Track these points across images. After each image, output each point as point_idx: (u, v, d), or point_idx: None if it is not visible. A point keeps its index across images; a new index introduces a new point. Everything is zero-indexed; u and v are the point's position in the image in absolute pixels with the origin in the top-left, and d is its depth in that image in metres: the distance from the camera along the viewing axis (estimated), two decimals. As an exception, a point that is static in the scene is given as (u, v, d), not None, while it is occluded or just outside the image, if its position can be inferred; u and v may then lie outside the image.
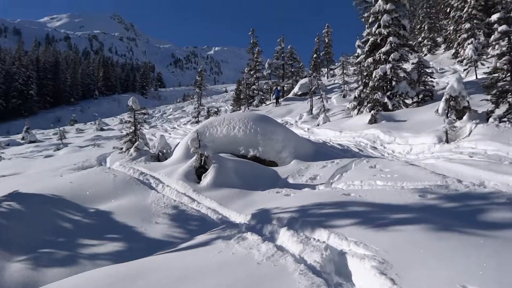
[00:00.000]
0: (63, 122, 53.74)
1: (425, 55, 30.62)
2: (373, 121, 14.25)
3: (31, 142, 28.77)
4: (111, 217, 6.64)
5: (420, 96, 16.16)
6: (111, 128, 37.01)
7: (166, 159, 10.99)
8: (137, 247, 5.46)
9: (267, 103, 34.33)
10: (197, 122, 31.63)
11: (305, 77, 36.03)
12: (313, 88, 24.57)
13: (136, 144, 11.62)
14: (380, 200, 5.32)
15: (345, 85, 28.08)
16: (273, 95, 32.84)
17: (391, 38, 16.33)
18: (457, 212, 4.68)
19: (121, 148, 12.24)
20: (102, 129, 35.36)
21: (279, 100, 30.94)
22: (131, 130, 12.26)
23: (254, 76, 36.00)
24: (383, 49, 16.54)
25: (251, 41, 37.42)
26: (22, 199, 7.11)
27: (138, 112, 12.38)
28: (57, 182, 8.81)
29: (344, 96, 25.53)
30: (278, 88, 32.86)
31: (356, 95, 18.59)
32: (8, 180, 10.83)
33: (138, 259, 4.61)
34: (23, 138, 30.74)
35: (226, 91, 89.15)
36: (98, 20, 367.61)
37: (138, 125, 12.32)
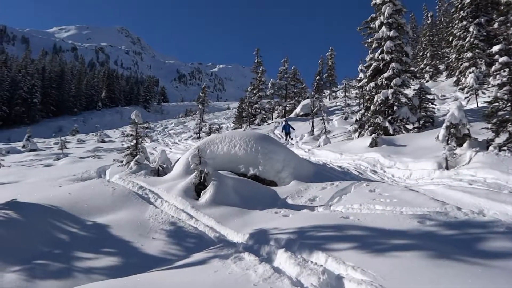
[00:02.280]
0: (65, 132, 53.89)
1: (427, 81, 30.98)
2: (373, 144, 14.29)
3: (31, 150, 28.83)
4: (108, 230, 6.60)
5: (421, 122, 16.26)
6: (113, 140, 37.12)
7: (166, 174, 10.99)
8: (133, 262, 5.42)
9: (269, 122, 34.49)
10: (199, 138, 31.71)
11: (308, 98, 36.32)
12: (315, 110, 24.76)
13: (136, 157, 11.63)
14: (379, 225, 5.31)
15: (347, 108, 28.29)
16: (281, 130, 24.45)
17: (393, 64, 16.55)
18: (456, 240, 4.66)
19: (122, 161, 12.24)
20: (103, 141, 35.47)
21: (291, 137, 23.07)
22: (132, 144, 12.29)
23: (257, 95, 36.35)
24: (385, 75, 16.74)
25: (256, 61, 37.91)
26: (20, 208, 7.08)
27: (141, 125, 12.44)
28: (55, 192, 8.78)
29: (345, 119, 25.70)
30: (288, 121, 24.77)
31: (358, 118, 18.70)
32: (7, 188, 10.78)
33: (134, 275, 4.58)
34: (23, 146, 30.79)
35: (228, 108, 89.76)
36: (106, 32, 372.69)
37: (140, 139, 12.36)
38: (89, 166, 14.21)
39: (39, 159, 21.66)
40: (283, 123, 24.30)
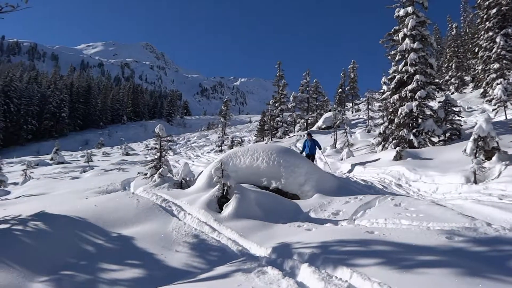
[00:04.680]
0: (91, 145, 55.29)
1: (452, 93, 30.38)
2: (398, 157, 14.02)
3: (59, 163, 29.70)
4: (133, 242, 6.69)
5: (447, 135, 15.87)
6: (137, 153, 37.78)
7: (188, 186, 11.08)
8: (157, 275, 5.46)
9: (291, 135, 34.43)
10: (221, 151, 31.94)
11: (330, 111, 36.15)
12: (337, 122, 24.58)
13: (160, 170, 11.80)
14: (405, 240, 5.18)
15: (370, 121, 27.95)
16: (302, 150, 16.39)
17: (417, 76, 16.30)
18: (487, 257, 4.49)
19: (146, 174, 12.43)
20: (128, 154, 36.18)
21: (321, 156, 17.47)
22: (156, 157, 12.48)
23: (279, 108, 36.43)
24: (409, 87, 16.49)
25: (277, 74, 38.10)
26: (48, 220, 7.27)
27: (164, 139, 12.64)
28: (82, 204, 8.98)
29: (368, 132, 25.37)
30: (313, 137, 15.60)
31: (381, 131, 18.43)
32: (36, 200, 11.12)
33: None
34: (51, 159, 31.76)
35: (250, 122, 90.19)
36: (131, 48, 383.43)
37: (164, 152, 12.54)
38: (114, 179, 14.49)
39: (66, 171, 22.26)
40: (307, 140, 15.54)
